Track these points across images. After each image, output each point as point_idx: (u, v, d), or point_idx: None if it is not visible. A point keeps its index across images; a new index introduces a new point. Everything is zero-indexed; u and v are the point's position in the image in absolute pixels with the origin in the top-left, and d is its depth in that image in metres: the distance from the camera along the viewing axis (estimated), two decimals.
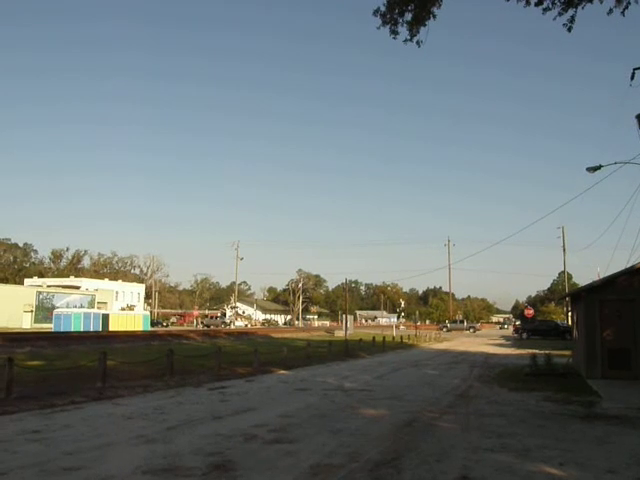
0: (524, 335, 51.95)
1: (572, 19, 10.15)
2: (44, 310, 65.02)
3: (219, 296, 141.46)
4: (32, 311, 64.77)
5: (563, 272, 68.59)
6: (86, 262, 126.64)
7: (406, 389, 14.25)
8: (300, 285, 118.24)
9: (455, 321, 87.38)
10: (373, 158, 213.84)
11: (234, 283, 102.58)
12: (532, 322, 59.34)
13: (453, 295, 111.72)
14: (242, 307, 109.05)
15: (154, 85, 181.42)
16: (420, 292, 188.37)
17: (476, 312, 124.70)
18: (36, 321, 63.41)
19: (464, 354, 30.71)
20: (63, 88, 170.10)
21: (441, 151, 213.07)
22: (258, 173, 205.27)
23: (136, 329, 49.20)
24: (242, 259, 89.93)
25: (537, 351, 22.28)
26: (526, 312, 66.55)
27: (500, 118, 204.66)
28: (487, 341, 48.46)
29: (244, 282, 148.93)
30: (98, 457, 6.63)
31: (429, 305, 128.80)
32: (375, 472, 6.14)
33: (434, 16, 11.54)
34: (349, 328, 47.86)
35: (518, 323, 78.12)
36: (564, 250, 60.96)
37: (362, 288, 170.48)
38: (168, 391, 12.73)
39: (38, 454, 6.73)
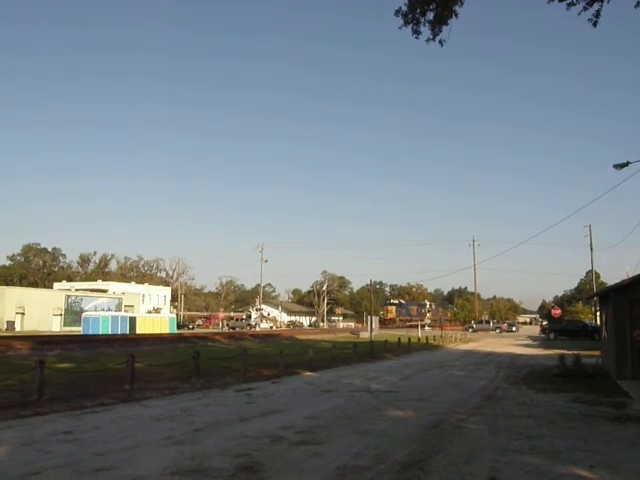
0: (551, 335, 51.27)
1: (597, 13, 9.98)
2: (73, 313, 66.01)
3: (244, 298, 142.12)
4: (61, 314, 65.80)
5: (591, 271, 67.64)
6: (113, 266, 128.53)
7: (432, 390, 14.17)
8: (325, 287, 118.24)
9: (481, 321, 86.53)
10: (396, 159, 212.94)
11: (259, 285, 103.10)
12: (559, 322, 58.56)
13: (478, 295, 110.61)
14: (267, 309, 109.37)
15: (175, 86, 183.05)
16: (445, 292, 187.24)
17: (502, 312, 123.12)
18: (65, 324, 64.42)
19: (490, 355, 30.44)
20: (85, 89, 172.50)
21: (465, 152, 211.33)
22: (283, 175, 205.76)
23: (162, 332, 49.70)
24: (267, 261, 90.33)
25: (565, 351, 21.99)
26: (553, 312, 65.75)
27: (524, 119, 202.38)
28: (514, 341, 47.93)
29: (269, 284, 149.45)
30: (127, 458, 6.71)
31: (454, 305, 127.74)
32: (402, 474, 6.12)
33: (456, 15, 11.47)
34: (374, 329, 47.69)
35: (545, 323, 77.10)
36: (591, 249, 60.14)
37: (387, 289, 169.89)
38: (195, 393, 12.83)
39: (70, 454, 6.84)
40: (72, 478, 5.89)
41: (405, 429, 8.84)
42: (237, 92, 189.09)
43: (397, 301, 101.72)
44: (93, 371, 14.70)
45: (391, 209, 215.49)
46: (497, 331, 77.74)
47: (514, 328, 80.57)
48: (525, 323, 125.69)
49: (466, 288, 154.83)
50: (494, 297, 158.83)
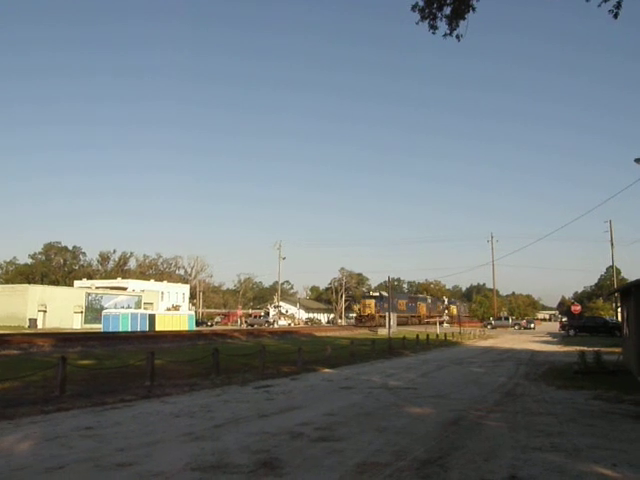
0: (571, 332, 50.77)
1: (618, 4, 9.82)
2: (93, 311, 66.69)
3: (262, 295, 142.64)
4: (82, 312, 66.52)
5: (611, 267, 66.78)
6: (132, 264, 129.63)
7: (451, 387, 14.12)
8: (343, 283, 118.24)
9: (500, 318, 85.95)
10: (414, 157, 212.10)
11: (277, 282, 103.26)
12: (579, 318, 57.94)
13: (497, 291, 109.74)
14: (285, 306, 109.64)
15: (195, 85, 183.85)
16: (464, 289, 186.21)
17: (521, 308, 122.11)
18: (86, 322, 65.11)
19: (509, 351, 30.24)
20: (106, 87, 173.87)
21: (485, 149, 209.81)
22: (301, 173, 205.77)
23: (182, 329, 50.04)
24: (285, 258, 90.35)
25: (585, 348, 21.78)
26: (573, 308, 64.99)
27: (542, 116, 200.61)
28: (533, 338, 47.57)
29: (287, 281, 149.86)
30: (148, 453, 6.78)
31: (473, 302, 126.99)
32: (422, 470, 6.12)
33: (474, 9, 11.37)
34: (392, 326, 47.59)
35: (565, 320, 76.35)
36: (612, 244, 59.35)
37: (405, 286, 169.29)
38: (214, 389, 12.91)
39: (92, 450, 6.93)
40: (94, 473, 5.97)
41: (424, 426, 8.83)
42: (255, 90, 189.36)
43: (378, 293, 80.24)
44: (114, 368, 14.84)
45: (410, 206, 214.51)
46: (516, 327, 77.20)
47: (532, 325, 79.87)
48: (544, 319, 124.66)
49: (485, 284, 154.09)
50: (513, 293, 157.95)
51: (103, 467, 6.16)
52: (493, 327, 75.45)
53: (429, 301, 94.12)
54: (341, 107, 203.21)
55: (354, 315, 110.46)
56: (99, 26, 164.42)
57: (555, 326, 77.70)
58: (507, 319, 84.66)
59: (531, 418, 9.58)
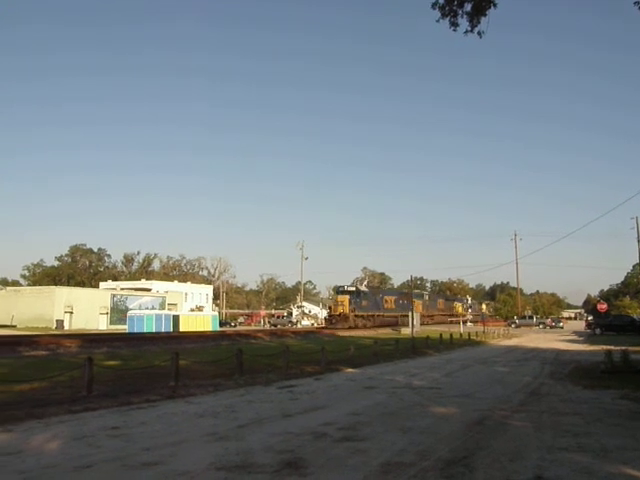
0: (597, 331, 50.09)
1: None
2: (118, 312, 67.47)
3: (285, 295, 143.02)
4: (107, 313, 67.35)
5: (638, 264, 65.66)
6: (156, 265, 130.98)
7: (475, 387, 14.02)
8: (365, 283, 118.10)
9: (524, 317, 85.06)
10: (436, 156, 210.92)
11: (300, 282, 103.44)
12: (606, 317, 57.13)
13: (521, 290, 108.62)
14: (308, 306, 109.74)
15: (221, 85, 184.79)
16: (487, 288, 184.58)
17: (545, 307, 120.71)
18: (111, 322, 65.90)
19: (534, 351, 29.92)
20: (126, 85, 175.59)
21: (506, 149, 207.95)
22: (321, 172, 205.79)
23: (205, 329, 50.38)
24: (307, 259, 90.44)
25: (612, 347, 21.45)
26: (599, 307, 64.07)
27: (566, 116, 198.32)
28: (558, 337, 46.99)
29: (309, 281, 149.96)
30: (174, 453, 6.84)
31: (496, 301, 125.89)
32: (446, 470, 6.09)
33: (494, 5, 11.29)
34: (415, 325, 47.40)
35: (590, 318, 75.31)
36: (638, 241, 58.31)
37: (428, 285, 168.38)
38: (238, 390, 12.97)
39: (119, 449, 7.02)
40: (121, 472, 6.04)
41: (448, 426, 8.78)
42: (276, 89, 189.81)
43: (354, 287, 62.69)
44: (139, 368, 15.00)
45: (433, 205, 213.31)
46: (540, 326, 76.34)
47: (561, 324, 78.73)
48: (570, 318, 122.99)
49: (508, 283, 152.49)
50: (537, 292, 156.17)
51: (129, 466, 6.24)
52: (517, 326, 74.71)
53: (426, 298, 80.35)
54: (361, 106, 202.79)
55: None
56: (119, 26, 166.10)
57: (581, 325, 76.61)
58: (531, 318, 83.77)
59: (557, 418, 9.47)
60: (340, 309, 56.23)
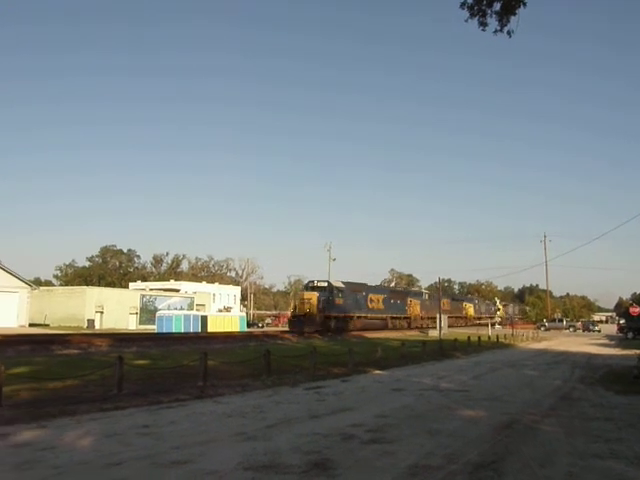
0: (629, 334, 49.12)
1: None
2: (147, 312, 68.18)
3: None
4: (137, 313, 68.17)
5: None
6: (184, 266, 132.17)
7: (504, 390, 13.88)
8: (393, 284, 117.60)
9: (554, 320, 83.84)
10: (463, 158, 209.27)
11: None
12: (638, 321, 55.94)
13: (550, 293, 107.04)
14: None
15: (252, 85, 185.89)
16: (516, 290, 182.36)
17: (576, 310, 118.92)
18: (140, 322, 66.65)
19: (564, 354, 29.47)
20: (157, 86, 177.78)
21: (535, 152, 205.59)
22: (352, 175, 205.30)
23: (233, 330, 50.64)
24: (335, 260, 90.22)
25: None
26: (631, 310, 62.65)
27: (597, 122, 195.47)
28: (589, 341, 46.23)
29: None
30: (202, 452, 6.92)
31: (525, 303, 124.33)
32: (475, 474, 6.04)
33: (524, 4, 11.17)
34: (443, 327, 47.06)
35: (623, 322, 73.84)
36: None
37: (455, 287, 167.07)
38: (266, 390, 13.04)
39: (149, 447, 7.12)
40: (151, 470, 6.13)
41: (476, 429, 8.72)
42: (308, 91, 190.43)
43: (326, 283, 49.21)
44: (168, 368, 15.16)
45: (461, 206, 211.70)
46: (570, 330, 75.16)
47: (597, 327, 76.66)
48: (601, 321, 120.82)
49: (537, 285, 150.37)
50: (567, 294, 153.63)
51: (159, 464, 6.32)
52: (547, 329, 73.71)
53: (425, 297, 68.09)
54: (396, 109, 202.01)
55: None
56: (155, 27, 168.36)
57: (612, 328, 75.13)
58: (561, 321, 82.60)
59: (588, 423, 9.33)
60: (307, 307, 44.41)
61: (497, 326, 68.60)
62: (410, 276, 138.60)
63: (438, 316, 48.68)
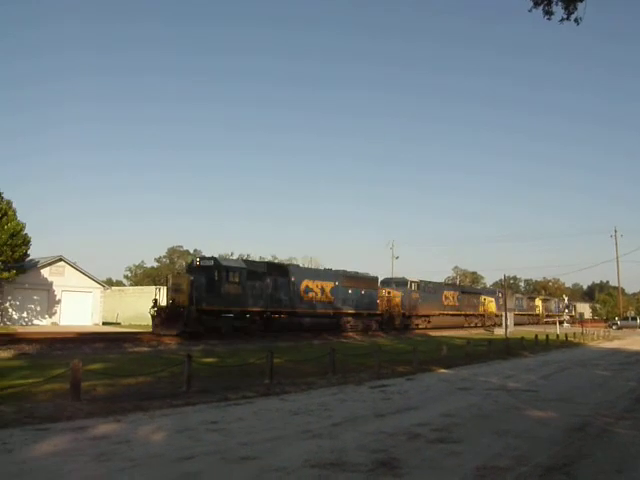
0: None
1: None
2: None
3: None
4: None
5: None
6: None
7: (575, 390, 13.48)
8: (457, 282, 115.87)
9: (626, 318, 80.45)
10: (534, 162, 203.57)
11: None
12: None
13: (623, 290, 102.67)
14: None
15: (295, 87, 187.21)
16: (585, 287, 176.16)
17: None
18: None
19: (639, 354, 28.30)
20: (225, 89, 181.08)
21: (608, 136, 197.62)
22: (414, 173, 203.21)
23: None
24: (397, 258, 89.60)
25: None
26: None
27: None
28: None
29: None
30: (270, 449, 7.05)
31: (595, 301, 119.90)
32: (546, 478, 5.91)
33: None
34: (509, 326, 46.05)
35: None
36: None
37: (521, 284, 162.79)
38: (331, 388, 13.12)
39: (218, 443, 7.31)
40: (221, 465, 6.30)
41: (546, 431, 8.51)
42: (360, 92, 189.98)
43: (211, 262, 31.03)
44: (234, 365, 15.46)
45: (525, 201, 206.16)
46: None
47: None
48: None
49: (608, 282, 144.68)
50: None
51: (228, 460, 6.48)
52: (619, 327, 70.85)
53: (411, 288, 47.57)
54: (447, 109, 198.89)
55: None
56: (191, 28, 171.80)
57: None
58: (635, 319, 79.05)
59: None
60: (180, 298, 28.88)
61: (565, 324, 66.51)
62: (475, 273, 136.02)
63: (504, 314, 47.68)
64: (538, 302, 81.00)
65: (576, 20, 10.84)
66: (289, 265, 36.53)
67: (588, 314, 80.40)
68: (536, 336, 32.88)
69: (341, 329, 38.04)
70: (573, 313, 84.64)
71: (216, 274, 29.99)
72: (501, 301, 59.51)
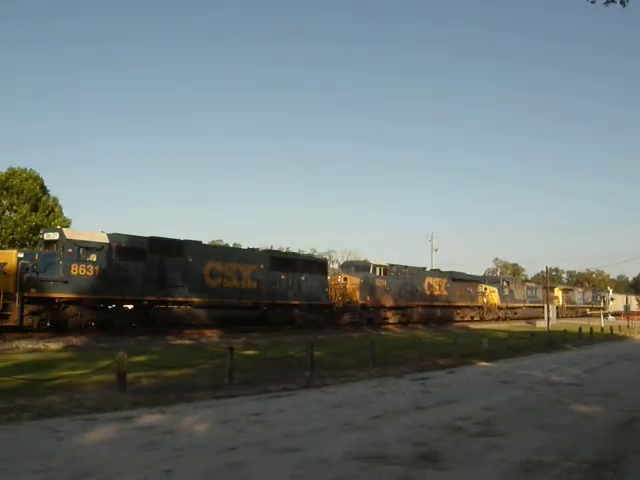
0: None
1: None
2: None
3: None
4: None
5: None
6: None
7: (621, 385, 13.18)
8: (497, 274, 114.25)
9: None
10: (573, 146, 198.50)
11: None
12: None
13: None
14: None
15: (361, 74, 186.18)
16: (630, 279, 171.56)
17: None
18: None
19: None
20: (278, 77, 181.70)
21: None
22: (452, 159, 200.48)
23: None
24: (437, 250, 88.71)
25: None
26: None
27: None
28: None
29: None
30: (311, 441, 7.10)
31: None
32: (592, 474, 5.80)
33: None
34: (551, 318, 45.22)
35: None
36: None
37: (564, 276, 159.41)
38: (371, 381, 13.13)
39: (259, 434, 7.41)
40: (264, 455, 6.37)
41: (592, 425, 8.35)
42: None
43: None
44: (275, 358, 15.59)
45: (569, 190, 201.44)
46: None
47: None
48: None
49: None
50: None
51: (270, 451, 6.56)
52: None
53: (376, 273, 38.83)
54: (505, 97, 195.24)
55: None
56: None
57: None
58: None
59: None
60: (4, 283, 20.89)
61: (610, 317, 64.94)
62: (516, 265, 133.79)
63: (546, 307, 46.87)
64: (557, 292, 71.61)
65: (622, 2, 10.47)
66: (185, 241, 27.83)
67: (634, 307, 77.68)
68: (579, 329, 32.25)
69: (268, 323, 30.62)
70: (602, 305, 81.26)
71: (60, 251, 22.92)
72: (506, 291, 54.90)
